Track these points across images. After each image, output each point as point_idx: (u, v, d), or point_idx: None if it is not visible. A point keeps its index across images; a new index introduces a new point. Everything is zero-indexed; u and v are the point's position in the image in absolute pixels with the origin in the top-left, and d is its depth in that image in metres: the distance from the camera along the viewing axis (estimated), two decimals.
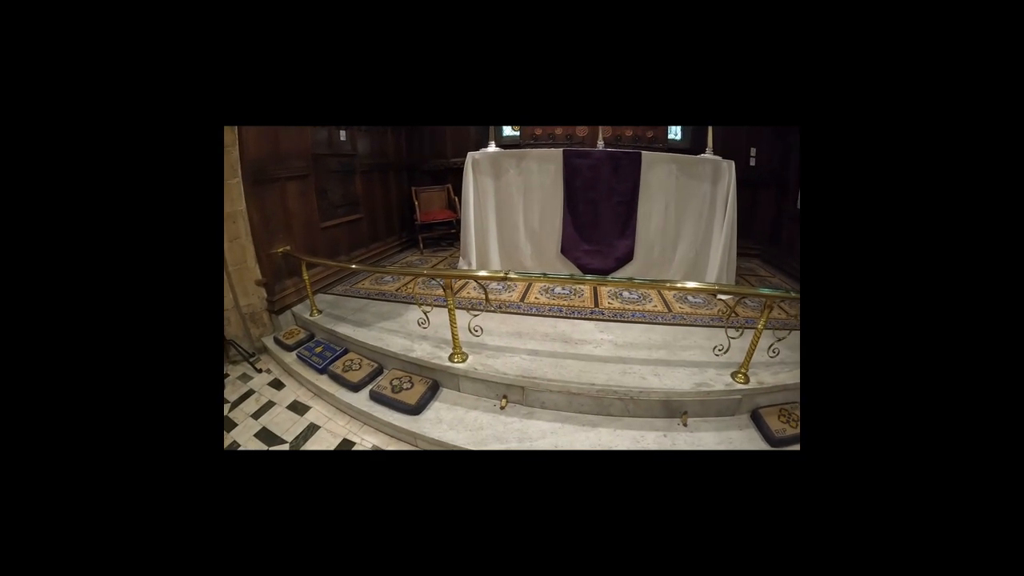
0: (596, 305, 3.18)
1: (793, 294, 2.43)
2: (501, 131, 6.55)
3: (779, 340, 2.41)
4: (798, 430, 2.19)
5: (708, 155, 3.67)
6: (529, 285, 3.57)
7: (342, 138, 4.21)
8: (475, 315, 2.48)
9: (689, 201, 3.55)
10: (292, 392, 2.83)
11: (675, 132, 6.43)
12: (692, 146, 5.53)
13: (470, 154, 3.73)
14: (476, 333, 2.53)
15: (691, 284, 2.51)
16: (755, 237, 5.97)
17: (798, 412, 2.32)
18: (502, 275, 2.38)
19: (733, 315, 2.37)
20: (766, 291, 2.41)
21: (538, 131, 5.69)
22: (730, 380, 2.38)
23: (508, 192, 3.74)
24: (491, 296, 2.89)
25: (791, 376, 2.51)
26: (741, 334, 2.34)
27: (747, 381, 2.38)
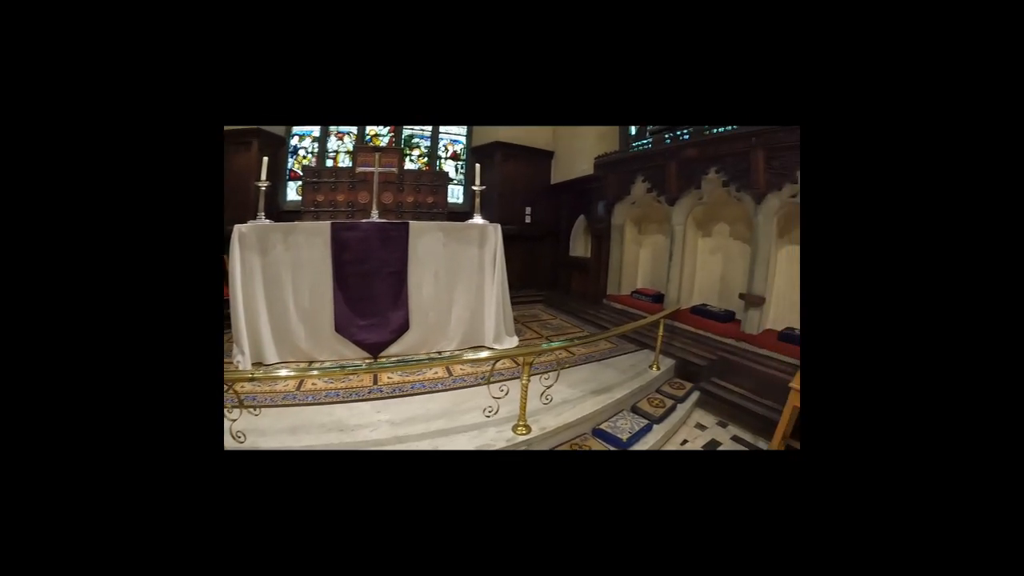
0: (375, 382, 3.04)
1: (555, 345, 2.66)
2: (285, 195, 6.17)
3: (548, 387, 2.58)
4: None
5: (476, 220, 3.92)
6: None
7: None
8: (240, 415, 2.13)
9: (459, 265, 3.73)
10: None
11: (457, 196, 6.82)
12: (472, 209, 5.87)
13: (236, 227, 3.32)
14: (239, 440, 2.16)
15: (469, 356, 2.57)
16: (537, 285, 6.61)
17: (589, 443, 2.57)
18: (249, 376, 2.13)
19: (496, 373, 2.46)
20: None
21: (320, 198, 5.47)
22: (511, 434, 2.44)
23: (276, 270, 3.42)
24: (265, 389, 2.56)
25: (575, 413, 2.71)
26: (507, 392, 2.44)
27: (529, 431, 2.47)
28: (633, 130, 5.71)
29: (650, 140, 5.22)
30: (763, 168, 3.72)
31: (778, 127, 3.51)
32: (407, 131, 6.81)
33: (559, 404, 2.78)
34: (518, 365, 2.43)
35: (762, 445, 3.02)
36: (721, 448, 3.01)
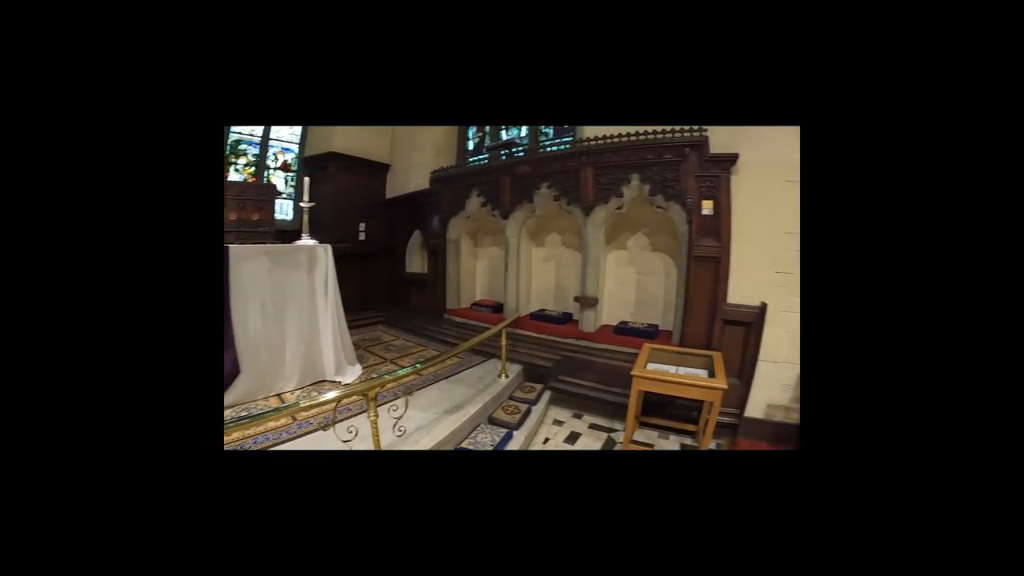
0: None
1: (400, 373, 2.54)
2: None
3: (398, 418, 2.45)
4: None
5: (304, 241, 3.56)
6: None
7: None
8: None
9: (288, 293, 3.33)
10: None
11: (286, 212, 6.24)
12: (301, 228, 5.42)
13: None
14: None
15: (307, 402, 2.14)
16: (376, 305, 6.35)
17: None
18: None
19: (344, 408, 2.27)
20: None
21: None
22: None
23: None
24: None
25: (433, 438, 2.64)
26: (355, 434, 2.26)
27: None
28: (471, 145, 5.81)
29: (486, 156, 5.38)
30: (591, 184, 4.09)
31: (606, 147, 3.90)
32: (234, 135, 5.75)
33: (414, 432, 2.68)
34: (365, 398, 2.26)
35: (617, 427, 3.35)
36: (581, 438, 3.24)
